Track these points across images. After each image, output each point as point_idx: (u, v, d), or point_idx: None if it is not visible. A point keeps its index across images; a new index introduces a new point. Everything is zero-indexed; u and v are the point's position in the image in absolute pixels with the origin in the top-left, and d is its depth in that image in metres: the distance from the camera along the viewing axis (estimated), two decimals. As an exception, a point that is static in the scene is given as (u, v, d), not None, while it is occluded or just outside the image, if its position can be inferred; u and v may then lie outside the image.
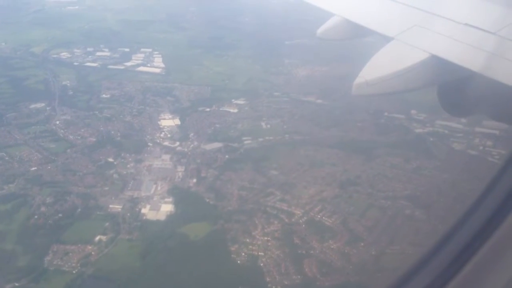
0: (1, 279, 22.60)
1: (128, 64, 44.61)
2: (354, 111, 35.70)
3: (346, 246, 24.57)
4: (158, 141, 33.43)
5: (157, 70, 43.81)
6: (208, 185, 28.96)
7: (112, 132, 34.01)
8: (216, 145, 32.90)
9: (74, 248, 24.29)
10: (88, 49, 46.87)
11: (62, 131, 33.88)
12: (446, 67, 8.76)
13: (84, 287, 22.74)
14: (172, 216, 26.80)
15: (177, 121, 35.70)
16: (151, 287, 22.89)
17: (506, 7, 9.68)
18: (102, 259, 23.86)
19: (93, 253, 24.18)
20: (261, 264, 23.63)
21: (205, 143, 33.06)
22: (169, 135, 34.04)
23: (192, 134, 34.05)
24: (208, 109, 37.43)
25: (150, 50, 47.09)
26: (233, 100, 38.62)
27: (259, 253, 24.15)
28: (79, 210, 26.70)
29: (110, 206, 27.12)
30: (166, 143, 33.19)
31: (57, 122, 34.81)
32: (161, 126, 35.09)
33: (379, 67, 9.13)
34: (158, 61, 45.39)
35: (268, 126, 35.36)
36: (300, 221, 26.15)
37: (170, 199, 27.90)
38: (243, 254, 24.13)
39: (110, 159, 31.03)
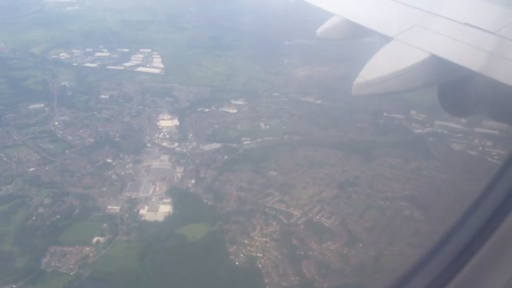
0: (-2, 280, 22.58)
1: (127, 64, 44.52)
2: (354, 112, 35.63)
3: (345, 247, 24.51)
4: (156, 141, 33.38)
5: (156, 71, 43.74)
6: (206, 186, 28.90)
7: (111, 133, 33.94)
8: (215, 145, 32.83)
9: (72, 249, 24.25)
10: (87, 50, 46.78)
11: (60, 131, 33.82)
12: (446, 67, 8.72)
13: (81, 289, 22.69)
14: (171, 217, 26.76)
15: (176, 122, 35.64)
16: (149, 289, 22.87)
17: (506, 6, 9.65)
18: (100, 261, 23.83)
19: (90, 254, 24.14)
20: (260, 265, 23.57)
21: (204, 144, 32.98)
22: (168, 136, 33.97)
23: (191, 135, 33.98)
24: (207, 110, 37.36)
25: (149, 50, 47.00)
26: (232, 100, 38.55)
27: (258, 254, 24.09)
28: (77, 211, 26.66)
29: (108, 207, 27.08)
30: (164, 144, 33.12)
31: (56, 123, 34.74)
32: (160, 127, 35.02)
33: (379, 67, 9.10)
34: (157, 61, 45.31)
35: (267, 126, 35.28)
36: (299, 222, 26.08)
37: (169, 200, 27.86)
38: (241, 255, 24.07)
39: (109, 160, 30.97)
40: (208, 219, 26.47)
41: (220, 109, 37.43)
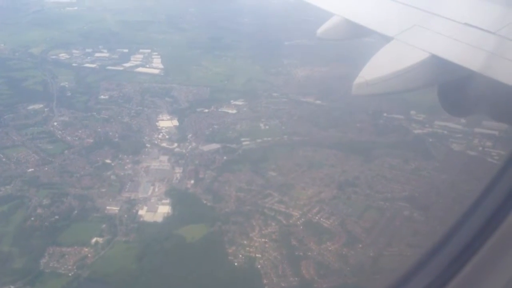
0: (-3, 281, 22.52)
1: (127, 65, 44.49)
2: (353, 112, 35.60)
3: (344, 248, 24.45)
4: (156, 142, 33.31)
5: (156, 71, 43.71)
6: (205, 186, 28.84)
7: (110, 133, 33.88)
8: (214, 146, 32.78)
9: (70, 250, 24.18)
10: (87, 50, 46.76)
11: (59, 132, 33.75)
12: (446, 67, 8.73)
13: (80, 290, 22.63)
14: (169, 217, 26.69)
15: (175, 122, 35.57)
16: (147, 290, 22.80)
17: (506, 6, 9.65)
18: (99, 262, 23.75)
19: (89, 255, 24.06)
20: (259, 266, 23.52)
21: (203, 144, 32.93)
22: (167, 136, 33.90)
23: (190, 135, 33.92)
24: (206, 110, 37.31)
25: (149, 51, 46.96)
26: (231, 101, 38.50)
27: (257, 255, 24.03)
28: (76, 212, 26.60)
29: (107, 207, 27.01)
30: (164, 144, 33.06)
31: (55, 123, 34.67)
32: (159, 127, 34.95)
33: (379, 67, 9.12)
34: (157, 62, 45.28)
35: (267, 127, 35.23)
36: (298, 222, 26.02)
37: (168, 201, 27.80)
38: (240, 256, 24.01)
39: (108, 161, 30.91)
40: (207, 220, 26.41)
41: (219, 110, 37.39)
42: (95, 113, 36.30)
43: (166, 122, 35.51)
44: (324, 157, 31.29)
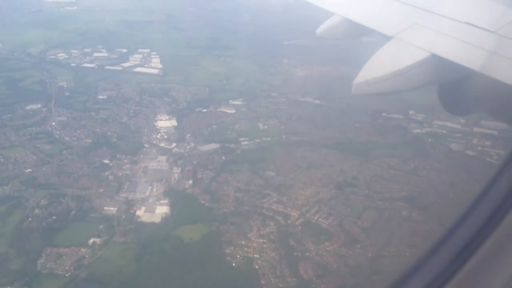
0: (-7, 282, 22.44)
1: (126, 65, 44.45)
2: (352, 112, 35.50)
3: (342, 248, 24.38)
4: (154, 142, 33.22)
5: (155, 71, 43.65)
6: (204, 186, 28.75)
7: (108, 134, 33.79)
8: (213, 146, 32.69)
9: (68, 251, 24.09)
10: (86, 50, 46.74)
11: (58, 132, 33.66)
12: (446, 66, 8.76)
13: (77, 291, 22.54)
14: (167, 218, 26.61)
15: (174, 122, 35.50)
16: (144, 291, 22.72)
17: (506, 5, 9.62)
18: (96, 262, 23.65)
19: (86, 256, 23.97)
20: (256, 267, 23.43)
21: (201, 144, 32.85)
22: (165, 136, 33.82)
23: (188, 135, 33.83)
24: (205, 110, 37.27)
25: (148, 50, 46.93)
26: (230, 101, 38.44)
27: (255, 256, 23.95)
28: (73, 212, 26.51)
29: (105, 208, 26.92)
30: (162, 145, 32.98)
31: (53, 124, 34.60)
32: (157, 127, 34.88)
33: (378, 66, 9.16)
34: (155, 61, 45.24)
35: (266, 127, 35.16)
36: (296, 223, 25.94)
37: (166, 201, 27.71)
38: (238, 256, 23.93)
39: (106, 161, 30.83)
40: (205, 220, 26.32)
41: (218, 110, 37.34)
42: (93, 113, 36.22)
43: (165, 122, 35.44)
44: (322, 157, 31.22)
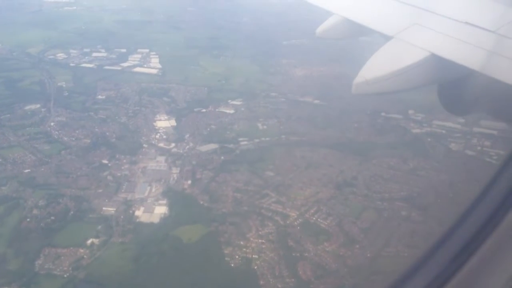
0: (-9, 283, 22.37)
1: (125, 65, 44.42)
2: (352, 112, 35.46)
3: (341, 249, 24.30)
4: (153, 142, 33.14)
5: (154, 71, 43.61)
6: (202, 187, 28.68)
7: (107, 134, 33.72)
8: (212, 146, 32.63)
9: (66, 251, 23.99)
10: (85, 50, 46.70)
11: (56, 132, 33.59)
12: (446, 66, 8.78)
13: (75, 291, 22.47)
14: (166, 218, 26.52)
15: (173, 122, 35.43)
16: (143, 291, 22.64)
17: (506, 5, 9.62)
18: (94, 263, 23.56)
19: (85, 256, 23.87)
20: (255, 267, 23.35)
21: (200, 145, 32.78)
22: (164, 137, 33.75)
23: (187, 135, 33.76)
24: (204, 110, 37.20)
25: (147, 50, 46.91)
26: (229, 100, 38.39)
27: (253, 256, 23.87)
28: (72, 212, 26.40)
29: (103, 208, 26.83)
30: (161, 145, 32.90)
31: (52, 124, 34.52)
32: (156, 127, 34.80)
33: (378, 66, 9.20)
34: (155, 61, 45.21)
35: (265, 127, 35.10)
36: (295, 223, 25.87)
37: (164, 201, 27.63)
38: (237, 257, 23.85)
39: (105, 161, 30.75)
40: (204, 221, 26.24)
41: (217, 110, 37.28)
42: (92, 113, 36.15)
43: (164, 122, 35.37)
44: (322, 157, 31.17)
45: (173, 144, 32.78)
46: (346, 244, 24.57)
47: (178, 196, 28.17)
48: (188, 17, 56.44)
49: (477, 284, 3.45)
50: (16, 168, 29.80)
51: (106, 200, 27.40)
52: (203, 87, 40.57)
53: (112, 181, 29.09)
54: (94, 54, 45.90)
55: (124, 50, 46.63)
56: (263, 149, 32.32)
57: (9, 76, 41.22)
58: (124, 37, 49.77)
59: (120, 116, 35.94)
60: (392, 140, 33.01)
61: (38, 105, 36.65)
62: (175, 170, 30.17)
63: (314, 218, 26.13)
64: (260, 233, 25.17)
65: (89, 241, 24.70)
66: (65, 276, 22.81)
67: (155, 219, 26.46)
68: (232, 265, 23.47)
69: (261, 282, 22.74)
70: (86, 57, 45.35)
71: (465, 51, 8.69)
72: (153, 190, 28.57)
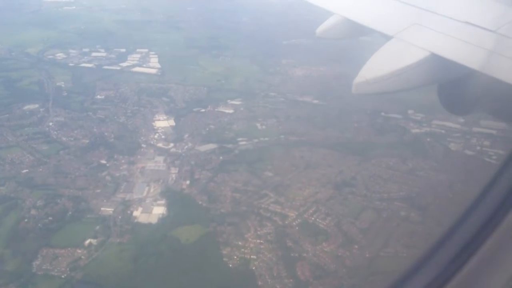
0: (-12, 284, 22.31)
1: (124, 64, 44.39)
2: (351, 111, 35.40)
3: (340, 249, 24.23)
4: (152, 142, 33.08)
5: (153, 71, 43.55)
6: (201, 187, 28.62)
7: (106, 134, 33.66)
8: (211, 146, 32.56)
9: (64, 252, 23.94)
10: (84, 50, 46.68)
11: (55, 132, 33.54)
12: (446, 66, 8.80)
13: (73, 292, 22.39)
14: (164, 218, 26.46)
15: (171, 122, 35.37)
16: (141, 292, 22.57)
17: (506, 5, 9.61)
18: (92, 263, 23.50)
19: (82, 257, 23.81)
20: (253, 268, 23.29)
21: (199, 145, 32.72)
22: (163, 137, 33.69)
23: (186, 135, 33.70)
24: (203, 110, 37.15)
25: (146, 50, 46.87)
26: (228, 100, 38.32)
27: (252, 256, 23.80)
28: (70, 213, 26.37)
29: (102, 208, 26.78)
30: (160, 145, 32.83)
31: (50, 124, 34.47)
32: (155, 127, 34.74)
33: (379, 66, 9.23)
34: (154, 61, 45.17)
35: (264, 127, 35.02)
36: (294, 223, 25.80)
37: (163, 202, 27.57)
38: (235, 257, 23.80)
39: (103, 161, 30.70)
40: (202, 221, 26.17)
41: (216, 110, 37.22)
42: (91, 113, 36.10)
43: (163, 122, 35.31)
44: (321, 157, 31.10)
45: (171, 144, 32.72)
46: (344, 244, 24.50)
47: (176, 196, 28.10)
48: (187, 17, 56.43)
49: (477, 285, 3.43)
50: (14, 168, 29.77)
51: (104, 201, 27.34)
52: (202, 87, 40.52)
53: (110, 181, 29.02)
54: (93, 54, 45.87)
55: (123, 50, 46.61)
56: (262, 149, 32.25)
57: (8, 76, 41.19)
58: (123, 37, 49.74)
59: (118, 116, 35.89)
60: (391, 140, 32.94)
61: (37, 105, 36.61)
62: (174, 170, 30.11)
63: (312, 219, 26.05)
64: (258, 233, 25.11)
65: (87, 242, 24.64)
66: (63, 276, 22.77)
67: (153, 219, 26.39)
68: (230, 265, 23.42)
69: (259, 283, 22.68)
70: (85, 57, 45.33)
71: (465, 51, 8.68)
72: (152, 190, 28.50)
